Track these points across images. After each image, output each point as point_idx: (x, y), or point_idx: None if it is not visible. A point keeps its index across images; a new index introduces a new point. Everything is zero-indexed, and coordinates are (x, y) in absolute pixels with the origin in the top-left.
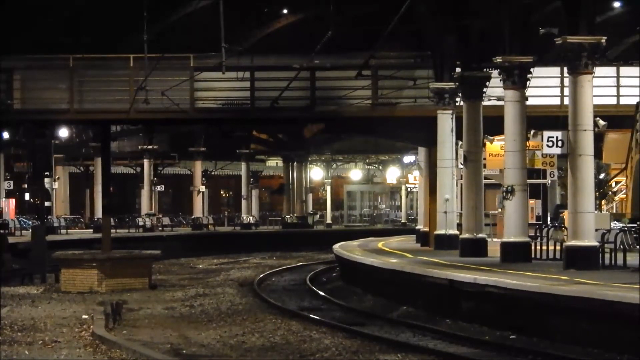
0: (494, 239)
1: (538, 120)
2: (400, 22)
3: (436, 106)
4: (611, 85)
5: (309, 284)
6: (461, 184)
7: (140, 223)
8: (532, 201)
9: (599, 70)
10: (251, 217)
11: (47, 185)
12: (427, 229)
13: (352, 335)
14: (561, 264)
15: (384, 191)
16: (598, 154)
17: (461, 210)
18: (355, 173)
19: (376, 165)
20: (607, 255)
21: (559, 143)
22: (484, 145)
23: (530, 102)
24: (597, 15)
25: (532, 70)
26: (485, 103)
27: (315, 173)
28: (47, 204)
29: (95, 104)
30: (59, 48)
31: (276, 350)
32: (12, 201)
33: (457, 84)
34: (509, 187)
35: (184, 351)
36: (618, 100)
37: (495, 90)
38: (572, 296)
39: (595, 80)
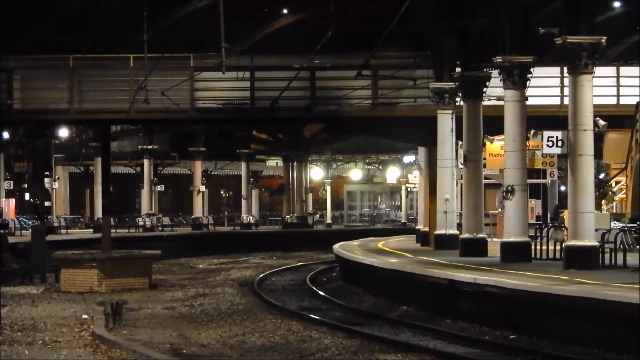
0: (494, 239)
1: (538, 120)
2: (400, 22)
3: (436, 106)
4: (611, 85)
5: (309, 284)
6: (461, 184)
7: (140, 223)
8: (532, 201)
9: (599, 70)
10: (251, 217)
11: (47, 185)
12: (427, 229)
13: (352, 335)
14: (561, 264)
15: (384, 191)
16: (598, 154)
17: (461, 210)
18: (355, 173)
19: (376, 165)
20: (607, 255)
21: (559, 143)
22: (484, 145)
23: (530, 102)
24: (597, 15)
25: (532, 70)
26: (485, 103)
27: (315, 173)
28: (47, 204)
29: (95, 104)
30: (59, 48)
31: (276, 350)
32: (12, 201)
33: (457, 84)
34: (509, 187)
35: (184, 351)
36: (618, 100)
37: (495, 90)
38: (572, 296)
39: (595, 80)
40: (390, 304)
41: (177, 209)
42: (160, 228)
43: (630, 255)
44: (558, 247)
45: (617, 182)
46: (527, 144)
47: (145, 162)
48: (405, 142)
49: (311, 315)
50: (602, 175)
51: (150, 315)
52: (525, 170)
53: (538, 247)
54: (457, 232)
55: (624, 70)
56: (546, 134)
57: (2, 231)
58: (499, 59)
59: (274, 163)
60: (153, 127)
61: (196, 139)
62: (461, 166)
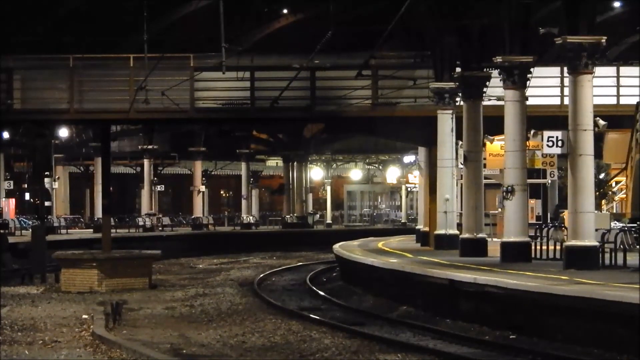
0: (494, 239)
1: (538, 120)
2: (400, 22)
3: (436, 106)
4: (611, 85)
5: (309, 284)
6: (461, 184)
7: (140, 223)
8: (532, 201)
9: (599, 70)
10: (251, 217)
11: (47, 185)
12: (427, 229)
13: (352, 335)
14: (561, 264)
15: (384, 191)
16: (598, 154)
17: (461, 210)
18: (355, 173)
19: (376, 165)
20: (607, 255)
21: (559, 143)
22: (484, 145)
23: (530, 102)
24: (597, 15)
25: (532, 70)
26: (485, 103)
27: (315, 173)
28: (47, 204)
29: (95, 104)
30: (59, 48)
31: (276, 350)
32: (12, 201)
33: (457, 84)
34: (509, 187)
35: (184, 351)
36: (618, 100)
37: (495, 90)
38: (572, 296)
39: (595, 80)
40: (390, 304)
41: (177, 209)
42: (160, 228)
43: (630, 255)
44: (558, 247)
45: (617, 182)
46: (527, 144)
47: (145, 162)
48: (405, 142)
49: (311, 315)
50: (602, 175)
51: (150, 315)
52: (525, 170)
53: (538, 247)
54: (457, 232)
55: (624, 70)
56: (546, 134)
57: (2, 231)
58: (499, 59)
59: (274, 163)
60: (153, 127)
61: (196, 139)
62: (461, 166)
